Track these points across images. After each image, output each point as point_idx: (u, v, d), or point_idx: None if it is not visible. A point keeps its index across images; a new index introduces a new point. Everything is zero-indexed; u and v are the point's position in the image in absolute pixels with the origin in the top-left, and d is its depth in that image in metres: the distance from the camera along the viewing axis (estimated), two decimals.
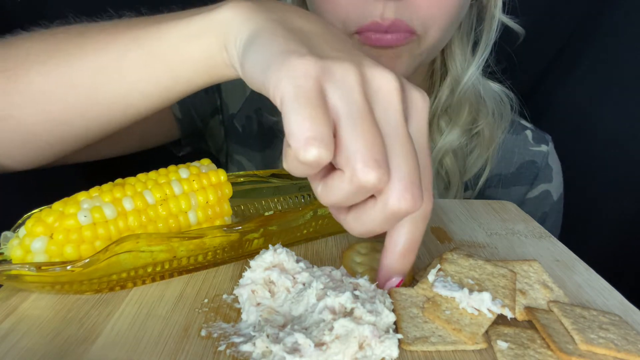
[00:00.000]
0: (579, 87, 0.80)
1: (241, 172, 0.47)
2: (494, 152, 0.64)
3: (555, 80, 0.83)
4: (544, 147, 0.67)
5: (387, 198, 0.27)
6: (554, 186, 0.67)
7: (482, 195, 0.65)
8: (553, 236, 0.45)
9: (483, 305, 0.30)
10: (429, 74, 0.65)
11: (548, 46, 0.81)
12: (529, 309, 0.32)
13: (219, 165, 0.40)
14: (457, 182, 0.63)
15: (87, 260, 0.30)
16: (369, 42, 0.51)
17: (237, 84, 0.68)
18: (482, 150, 0.63)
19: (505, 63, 0.65)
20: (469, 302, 0.31)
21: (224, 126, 0.69)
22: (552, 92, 0.83)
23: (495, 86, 0.65)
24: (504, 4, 0.59)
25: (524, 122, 0.69)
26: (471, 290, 0.31)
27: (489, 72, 0.65)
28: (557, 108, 0.83)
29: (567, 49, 0.81)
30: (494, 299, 0.31)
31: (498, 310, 0.30)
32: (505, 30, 0.61)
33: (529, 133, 0.68)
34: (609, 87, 0.78)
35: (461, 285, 0.32)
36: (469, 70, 0.61)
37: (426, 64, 0.63)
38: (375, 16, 0.49)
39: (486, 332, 0.30)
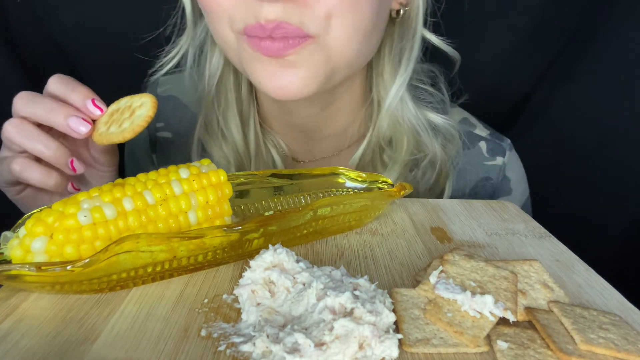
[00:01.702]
0: (579, 88, 0.80)
1: (241, 172, 0.47)
2: (448, 181, 0.61)
3: (554, 81, 0.83)
4: (499, 160, 0.63)
5: None
6: (515, 197, 0.64)
7: None
8: (553, 236, 0.45)
9: (485, 308, 0.30)
10: (368, 102, 0.61)
11: (546, 47, 0.81)
12: (528, 309, 0.32)
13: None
14: None
15: (87, 260, 0.30)
16: (258, 50, 0.46)
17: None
18: (438, 181, 0.60)
19: (454, 88, 0.62)
20: (471, 304, 0.31)
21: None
22: (551, 93, 0.83)
23: (437, 118, 0.60)
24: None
25: (479, 130, 0.64)
26: (473, 293, 0.31)
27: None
28: (556, 108, 0.83)
29: (567, 50, 0.81)
30: (496, 301, 0.31)
31: (500, 313, 0.30)
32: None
33: (483, 145, 0.63)
34: (610, 88, 0.78)
35: (463, 288, 0.32)
36: (392, 89, 0.56)
37: (357, 89, 0.60)
38: (260, 17, 0.44)
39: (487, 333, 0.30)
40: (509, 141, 0.64)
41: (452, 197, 0.62)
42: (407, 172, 0.60)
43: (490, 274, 0.34)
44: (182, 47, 0.58)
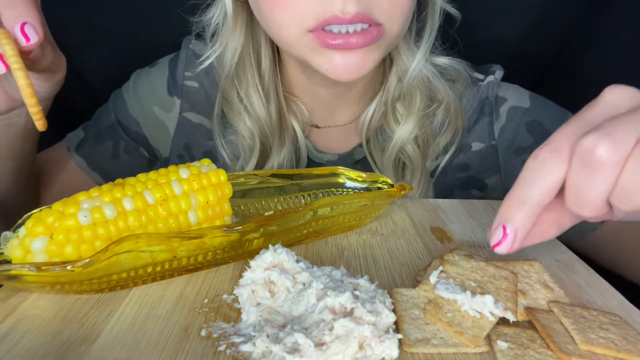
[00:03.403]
0: (583, 84, 0.80)
1: (241, 172, 0.47)
2: (460, 119, 0.63)
3: (557, 77, 0.83)
4: (490, 77, 0.64)
5: None
6: (517, 100, 0.63)
7: (457, 158, 0.64)
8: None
9: (485, 308, 0.30)
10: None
11: (549, 43, 0.81)
12: (528, 309, 0.32)
13: None
14: (419, 166, 0.62)
15: (87, 260, 0.30)
16: (331, 48, 0.48)
17: (161, 128, 0.66)
18: (452, 123, 0.62)
19: (449, 42, 0.63)
20: (471, 304, 0.31)
21: None
22: (553, 90, 0.83)
23: (443, 60, 0.63)
24: None
25: (476, 73, 0.66)
26: (473, 293, 0.31)
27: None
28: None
29: (569, 46, 0.81)
30: (496, 302, 0.31)
31: (500, 313, 0.30)
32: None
33: (477, 76, 0.65)
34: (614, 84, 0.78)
35: (463, 288, 0.32)
36: (415, 60, 0.59)
37: None
38: (336, 10, 0.46)
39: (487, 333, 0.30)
40: (498, 66, 0.66)
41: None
42: (424, 125, 0.62)
43: (490, 274, 0.34)
44: (222, 43, 0.60)
